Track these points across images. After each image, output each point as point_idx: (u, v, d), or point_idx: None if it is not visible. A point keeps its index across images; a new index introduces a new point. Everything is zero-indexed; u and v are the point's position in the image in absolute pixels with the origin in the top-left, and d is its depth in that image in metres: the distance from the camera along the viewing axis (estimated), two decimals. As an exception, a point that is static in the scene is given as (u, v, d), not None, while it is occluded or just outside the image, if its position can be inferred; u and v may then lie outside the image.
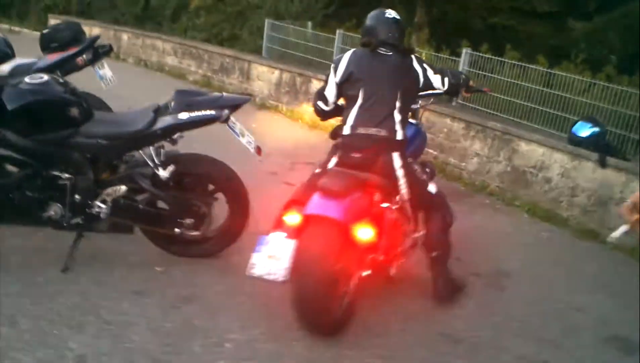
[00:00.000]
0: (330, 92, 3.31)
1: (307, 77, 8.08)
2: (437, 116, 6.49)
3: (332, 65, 3.28)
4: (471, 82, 3.66)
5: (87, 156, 3.17)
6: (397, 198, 3.13)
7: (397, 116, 3.12)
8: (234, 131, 3.32)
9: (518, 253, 4.45)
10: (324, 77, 3.46)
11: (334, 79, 3.25)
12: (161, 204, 3.37)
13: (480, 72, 6.69)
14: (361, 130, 3.09)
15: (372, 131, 3.08)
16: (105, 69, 4.78)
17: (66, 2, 16.12)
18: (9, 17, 17.86)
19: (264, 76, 8.80)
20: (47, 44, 4.68)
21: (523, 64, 6.50)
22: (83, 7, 15.48)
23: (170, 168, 3.21)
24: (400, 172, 3.10)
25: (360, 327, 3.01)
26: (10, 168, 3.20)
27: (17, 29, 15.15)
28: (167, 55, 10.79)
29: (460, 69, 6.84)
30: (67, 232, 3.29)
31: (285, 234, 2.78)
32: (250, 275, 2.74)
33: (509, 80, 6.40)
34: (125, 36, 11.94)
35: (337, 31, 8.79)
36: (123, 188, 3.21)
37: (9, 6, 18.14)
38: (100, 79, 4.78)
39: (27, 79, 3.07)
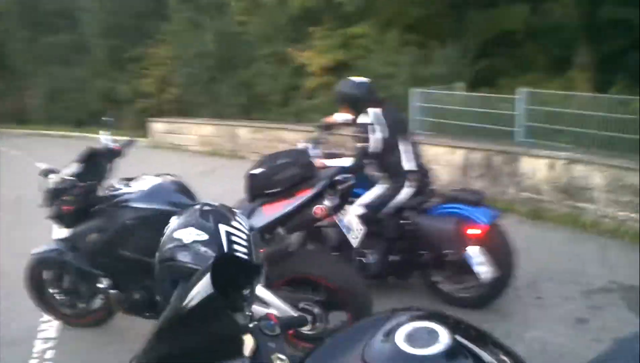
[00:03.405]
0: (377, 147, 3.72)
1: (511, 155, 6.18)
2: None
3: (372, 127, 3.71)
4: None
5: None
6: None
7: None
8: None
9: None
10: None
11: (379, 137, 3.72)
12: None
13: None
14: (418, 162, 3.92)
15: (420, 161, 3.98)
16: (350, 216, 3.06)
17: (160, 103, 15.27)
18: (103, 125, 17.24)
19: (442, 159, 6.99)
20: (258, 188, 3.02)
21: None
22: (180, 104, 14.51)
23: None
24: None
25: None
26: None
27: (116, 138, 14.26)
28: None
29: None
30: None
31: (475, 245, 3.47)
32: (484, 280, 3.45)
33: None
34: (242, 131, 10.61)
35: (520, 90, 7.03)
36: None
37: (101, 114, 17.58)
38: (346, 232, 3.07)
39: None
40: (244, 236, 1.91)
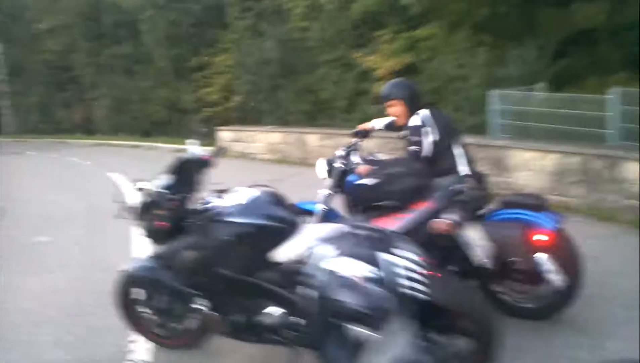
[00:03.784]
0: (429, 151, 3.50)
1: (611, 159, 5.70)
2: None
3: (424, 129, 3.51)
4: None
5: None
6: None
7: None
8: None
9: None
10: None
11: (432, 140, 3.49)
12: None
13: None
14: (472, 166, 3.60)
15: (473, 165, 3.65)
16: (472, 231, 2.76)
17: (224, 111, 15.31)
18: (165, 133, 17.50)
19: (532, 164, 6.54)
20: (369, 200, 2.76)
21: None
22: (244, 112, 14.50)
23: None
24: None
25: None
26: None
27: (182, 147, 14.37)
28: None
29: None
30: None
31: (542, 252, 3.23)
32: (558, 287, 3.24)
33: None
34: (311, 138, 10.40)
35: (613, 89, 6.52)
36: None
37: (164, 123, 17.84)
38: (468, 249, 2.77)
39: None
40: (419, 270, 1.56)
